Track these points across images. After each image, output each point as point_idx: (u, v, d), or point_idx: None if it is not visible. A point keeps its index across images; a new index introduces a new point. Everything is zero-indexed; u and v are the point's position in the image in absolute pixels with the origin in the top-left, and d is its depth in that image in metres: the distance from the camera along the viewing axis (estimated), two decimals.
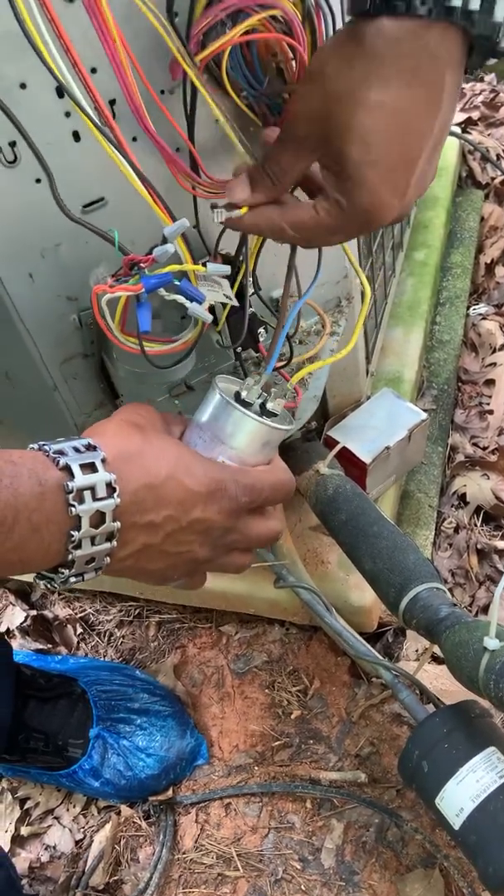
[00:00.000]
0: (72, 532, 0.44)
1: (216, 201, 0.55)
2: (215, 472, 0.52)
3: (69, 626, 1.15)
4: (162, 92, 0.56)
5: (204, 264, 0.53)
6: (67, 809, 0.98)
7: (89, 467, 0.45)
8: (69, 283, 0.63)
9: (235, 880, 0.85)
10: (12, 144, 0.54)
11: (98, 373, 0.71)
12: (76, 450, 0.46)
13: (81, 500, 0.44)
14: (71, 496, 0.43)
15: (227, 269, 0.54)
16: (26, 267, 0.61)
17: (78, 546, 0.44)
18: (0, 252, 0.59)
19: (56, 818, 0.98)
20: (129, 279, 0.52)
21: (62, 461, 0.44)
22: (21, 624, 1.15)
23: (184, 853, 0.89)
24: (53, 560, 0.45)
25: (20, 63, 0.51)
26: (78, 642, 1.13)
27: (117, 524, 0.46)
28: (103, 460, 0.46)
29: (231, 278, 0.62)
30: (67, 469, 0.44)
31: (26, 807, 1.00)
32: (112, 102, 0.56)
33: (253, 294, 0.68)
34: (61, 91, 0.53)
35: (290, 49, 0.53)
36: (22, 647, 1.12)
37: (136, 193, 0.58)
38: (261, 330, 0.75)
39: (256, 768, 0.92)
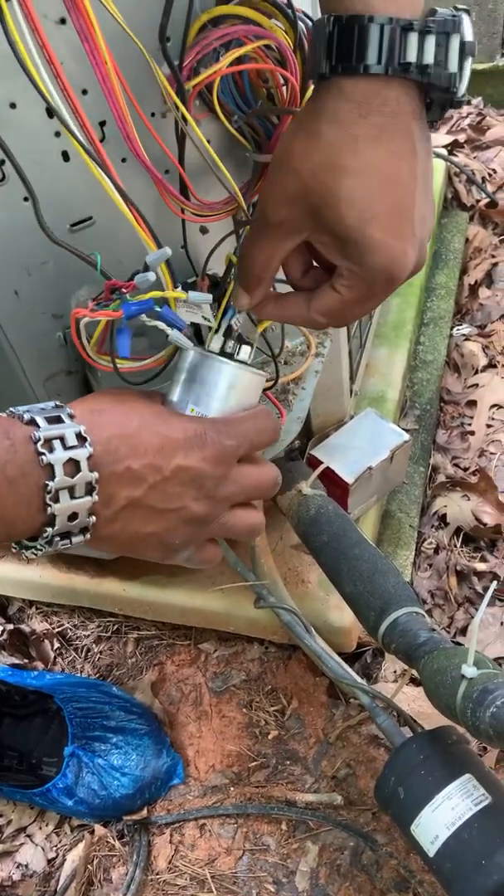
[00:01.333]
0: (47, 483, 0.43)
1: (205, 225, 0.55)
2: (192, 422, 0.51)
3: (46, 640, 1.13)
4: (153, 115, 0.57)
5: (186, 289, 0.53)
6: (40, 828, 0.97)
7: (55, 420, 0.45)
8: (55, 300, 0.63)
9: None
10: (0, 163, 0.54)
11: (82, 390, 0.71)
12: (42, 408, 0.46)
13: (51, 449, 0.43)
14: (39, 445, 0.43)
15: (208, 297, 0.54)
16: (12, 283, 0.61)
17: (56, 499, 0.43)
18: None
19: (28, 836, 0.96)
20: (111, 304, 0.51)
21: (27, 416, 0.44)
22: None
23: (157, 874, 0.88)
24: (35, 518, 0.44)
25: (10, 82, 0.51)
26: (55, 658, 1.12)
27: (95, 474, 0.45)
28: (70, 415, 0.46)
29: (218, 299, 0.62)
30: (33, 422, 0.44)
31: None
32: (102, 124, 0.56)
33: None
34: (51, 112, 0.53)
35: (282, 76, 0.53)
36: None
37: (123, 214, 0.58)
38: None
39: (232, 789, 0.92)
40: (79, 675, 1.08)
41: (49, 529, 0.44)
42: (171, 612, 1.01)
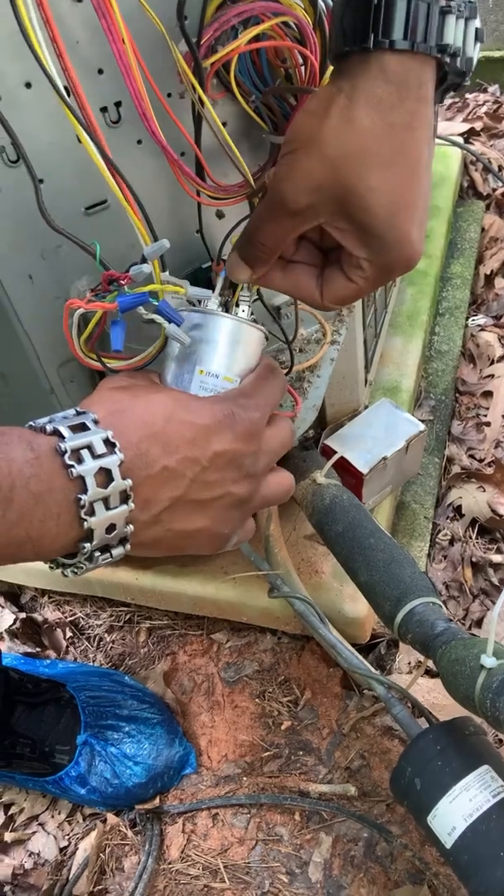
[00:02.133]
0: (79, 496, 0.41)
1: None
2: (215, 402, 0.49)
3: (59, 629, 1.13)
4: (169, 95, 0.56)
5: (201, 274, 0.52)
6: (52, 816, 0.97)
7: (80, 427, 0.43)
8: (69, 285, 0.62)
9: (221, 892, 0.84)
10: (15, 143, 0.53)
11: (95, 377, 0.70)
12: (64, 417, 0.44)
13: (80, 460, 0.41)
14: (66, 457, 0.41)
15: (208, 293, 0.53)
16: (26, 268, 0.60)
17: (91, 512, 0.41)
18: (0, 252, 0.59)
19: (41, 825, 0.97)
20: (107, 295, 0.51)
21: (49, 427, 0.42)
22: (10, 626, 1.13)
23: (169, 863, 0.88)
24: (69, 534, 0.42)
25: (25, 62, 0.50)
26: (67, 646, 1.12)
27: (128, 482, 0.43)
28: (95, 421, 0.43)
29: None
30: (57, 433, 0.42)
31: (10, 812, 0.98)
32: (118, 104, 0.55)
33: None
34: (68, 91, 0.53)
35: (301, 55, 0.52)
36: (10, 650, 1.11)
37: (138, 197, 0.57)
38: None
39: (245, 779, 0.91)
40: (91, 664, 1.08)
41: (87, 545, 0.42)
42: (183, 602, 1.01)
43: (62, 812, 0.97)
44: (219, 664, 1.02)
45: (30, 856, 0.94)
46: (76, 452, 0.41)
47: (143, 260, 0.50)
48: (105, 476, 0.42)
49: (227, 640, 1.04)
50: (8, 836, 0.96)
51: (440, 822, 0.62)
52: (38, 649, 1.12)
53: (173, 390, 0.51)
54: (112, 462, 0.42)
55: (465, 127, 1.80)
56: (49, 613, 1.15)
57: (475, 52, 0.43)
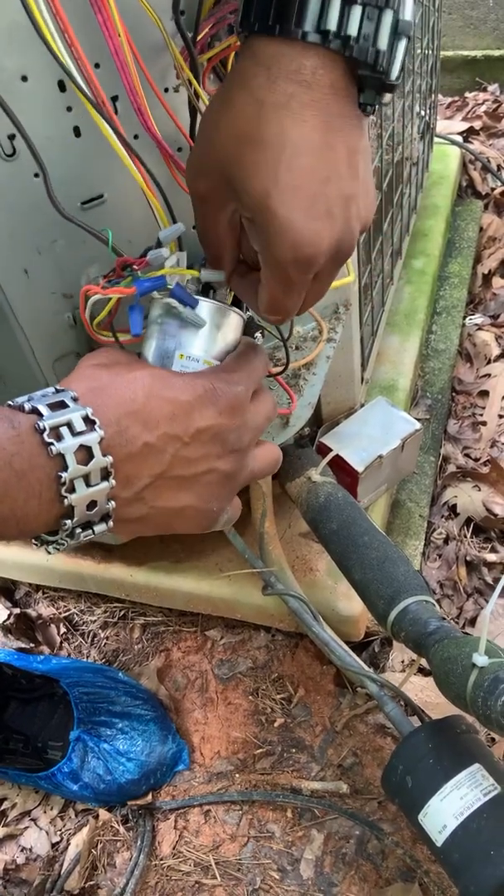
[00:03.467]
0: (60, 474, 0.41)
1: None
2: (197, 378, 0.48)
3: (53, 625, 1.13)
4: (166, 90, 0.56)
5: (199, 269, 0.52)
6: (45, 812, 0.97)
7: (59, 405, 0.42)
8: (65, 280, 0.62)
9: (213, 888, 0.84)
10: (11, 137, 0.53)
11: None
12: (43, 395, 0.43)
13: (59, 438, 0.41)
14: (46, 435, 0.41)
15: (221, 275, 0.53)
16: (22, 263, 0.60)
17: (71, 489, 0.41)
18: None
19: (33, 820, 0.97)
20: (122, 281, 0.50)
21: (28, 405, 0.42)
22: (3, 622, 1.13)
23: (161, 859, 0.88)
24: (50, 511, 0.42)
25: (22, 55, 0.50)
26: (61, 642, 1.12)
27: (109, 458, 0.43)
28: (74, 398, 0.43)
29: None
30: (35, 411, 0.42)
31: (3, 808, 0.98)
32: (114, 99, 0.55)
33: None
34: (63, 85, 0.53)
35: None
36: (4, 646, 1.11)
37: (135, 192, 0.57)
38: (257, 335, 0.74)
39: (237, 776, 0.91)
40: (85, 660, 1.08)
41: (68, 521, 0.43)
42: (177, 599, 1.01)
43: (54, 808, 0.97)
44: (212, 661, 1.02)
45: (22, 851, 0.94)
46: (55, 430, 0.41)
47: (159, 244, 0.50)
48: (85, 453, 0.42)
49: (221, 637, 1.04)
50: (0, 832, 0.96)
51: (431, 820, 0.62)
52: (31, 645, 1.12)
53: (154, 367, 0.50)
54: (92, 439, 0.42)
55: (464, 126, 1.81)
56: (43, 609, 1.15)
57: (395, 47, 0.39)
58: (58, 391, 0.44)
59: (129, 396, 0.45)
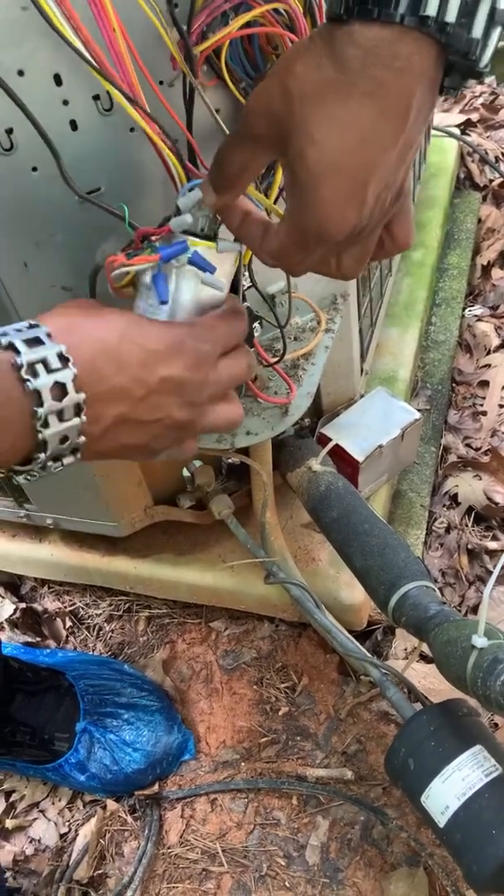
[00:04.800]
0: (35, 409, 0.42)
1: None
2: (170, 329, 0.50)
3: (58, 619, 1.14)
4: (161, 83, 0.56)
5: (217, 241, 0.52)
6: (53, 803, 0.98)
7: (34, 342, 0.43)
8: (64, 273, 0.63)
9: (220, 876, 0.85)
10: (9, 132, 0.54)
11: None
12: (17, 330, 0.44)
13: (35, 374, 0.42)
14: (23, 371, 0.42)
15: (237, 246, 0.53)
16: (21, 256, 0.61)
17: (45, 425, 0.43)
18: None
19: (41, 811, 0.98)
20: (142, 252, 0.51)
21: (4, 340, 0.43)
22: (10, 616, 1.14)
23: (168, 848, 0.89)
24: (24, 445, 0.43)
25: (17, 49, 0.51)
26: (67, 636, 1.13)
27: (82, 395, 0.44)
28: (48, 335, 0.44)
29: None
30: (12, 347, 0.42)
31: (11, 799, 0.99)
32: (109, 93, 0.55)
33: (249, 288, 0.68)
34: (60, 79, 0.53)
35: (291, 42, 0.52)
36: (10, 640, 1.12)
37: (132, 183, 0.58)
38: (255, 325, 0.75)
39: (243, 764, 0.92)
40: (91, 653, 1.09)
41: (41, 455, 0.44)
42: (181, 590, 1.02)
43: (62, 799, 0.97)
44: (217, 652, 1.03)
45: (31, 842, 0.95)
46: (31, 367, 0.42)
47: (178, 212, 0.50)
48: (60, 390, 0.43)
49: (226, 628, 1.05)
50: (9, 823, 0.97)
51: (434, 801, 0.63)
52: (38, 639, 1.13)
53: (128, 313, 0.51)
54: (66, 376, 0.43)
55: (462, 118, 1.80)
56: (49, 603, 1.16)
57: (488, 35, 0.40)
58: (31, 326, 0.44)
59: (103, 336, 0.46)
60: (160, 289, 0.50)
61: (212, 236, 0.52)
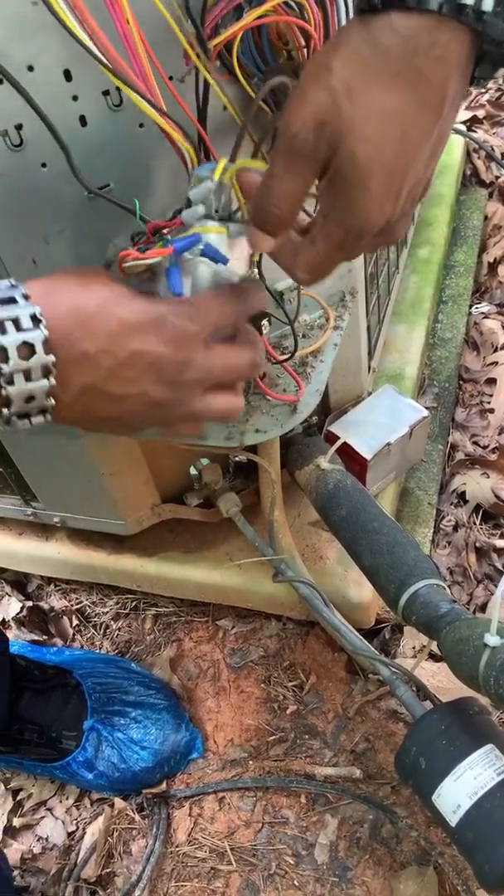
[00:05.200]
0: (1, 365, 0.42)
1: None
2: (152, 303, 0.48)
3: (65, 617, 1.14)
4: (171, 78, 0.56)
5: (227, 226, 0.52)
6: (60, 801, 0.98)
7: (9, 301, 0.43)
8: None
9: (228, 874, 0.85)
10: (18, 128, 0.54)
11: None
12: None
13: (4, 331, 0.42)
14: None
15: (244, 229, 0.53)
16: (30, 253, 0.60)
17: (10, 381, 0.43)
18: (3, 237, 0.59)
19: (49, 810, 0.97)
20: (153, 245, 0.51)
21: None
22: (17, 615, 1.14)
23: (177, 846, 0.89)
24: None
25: (27, 44, 0.50)
26: (74, 634, 1.13)
27: (51, 357, 0.44)
28: (25, 296, 0.43)
29: None
30: None
31: (19, 798, 0.99)
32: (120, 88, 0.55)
33: None
34: (70, 74, 0.53)
35: (303, 36, 0.52)
36: (17, 638, 1.12)
37: (142, 179, 0.58)
38: (264, 322, 0.74)
39: (251, 763, 0.92)
40: (98, 651, 1.09)
41: (5, 410, 0.44)
42: (188, 588, 1.01)
43: (70, 797, 0.97)
44: (224, 650, 1.03)
45: (38, 840, 0.95)
46: (1, 324, 0.42)
47: (189, 204, 0.50)
48: (28, 350, 0.43)
49: (233, 627, 1.05)
50: (17, 822, 0.97)
51: (445, 800, 0.63)
52: (44, 637, 1.13)
53: (116, 285, 0.49)
54: (36, 337, 0.43)
55: (468, 115, 1.80)
56: (55, 602, 1.16)
57: None
58: (12, 286, 0.44)
59: (81, 303, 0.45)
60: (174, 281, 0.50)
61: (227, 217, 0.51)
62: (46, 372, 0.44)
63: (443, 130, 0.43)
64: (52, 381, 0.44)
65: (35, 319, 0.43)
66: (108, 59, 0.47)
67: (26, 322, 0.42)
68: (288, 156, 0.44)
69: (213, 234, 0.50)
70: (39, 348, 0.43)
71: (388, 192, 0.43)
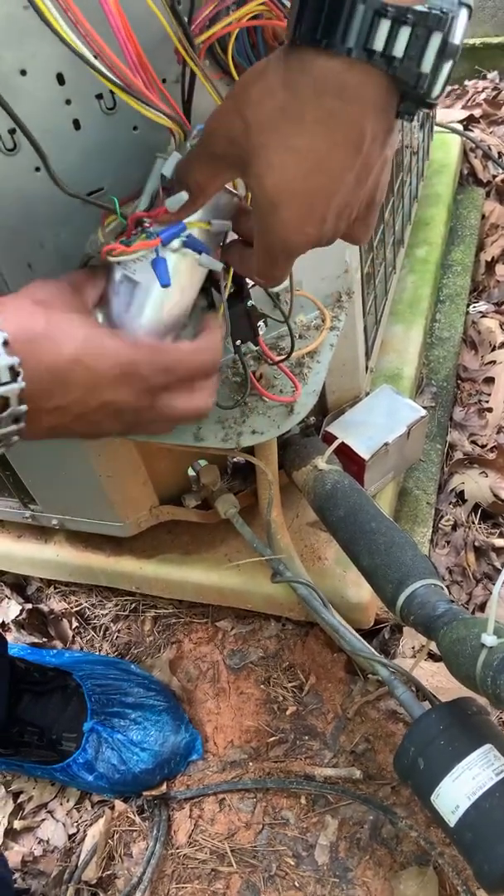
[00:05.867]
0: None
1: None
2: (127, 353, 0.49)
3: (64, 619, 1.14)
4: (164, 80, 0.56)
5: (209, 221, 0.53)
6: (61, 803, 0.98)
7: None
8: (68, 272, 0.62)
9: (229, 876, 0.85)
10: (12, 132, 0.54)
11: None
12: None
13: None
14: None
15: (229, 224, 0.54)
16: (25, 256, 0.60)
17: None
18: None
19: (49, 812, 0.98)
20: (136, 237, 0.51)
21: None
22: (16, 617, 1.14)
23: (177, 848, 0.89)
24: None
25: (20, 49, 0.50)
26: (73, 636, 1.13)
27: (24, 407, 0.45)
28: (5, 342, 0.44)
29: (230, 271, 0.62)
30: None
31: (20, 800, 0.99)
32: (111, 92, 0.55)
33: (253, 286, 0.67)
34: (62, 78, 0.53)
35: None
36: (17, 641, 1.12)
37: (135, 182, 0.57)
38: (260, 323, 0.74)
39: (251, 764, 0.92)
40: (97, 653, 1.09)
41: None
42: (187, 590, 1.01)
43: (70, 799, 0.97)
44: (224, 651, 1.03)
45: (39, 843, 0.95)
46: None
47: (165, 190, 0.51)
48: (2, 402, 0.44)
49: (232, 628, 1.05)
50: (17, 824, 0.97)
51: (443, 800, 0.63)
52: (44, 639, 1.13)
53: (90, 325, 0.50)
54: (12, 391, 0.43)
55: (465, 114, 1.80)
56: (55, 604, 1.16)
57: (439, 69, 0.40)
58: None
59: (59, 354, 0.46)
60: (161, 272, 0.51)
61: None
62: (16, 419, 0.45)
63: (368, 161, 0.44)
64: (22, 424, 0.46)
65: (13, 371, 0.43)
66: (104, 60, 0.46)
67: (5, 375, 0.43)
68: (202, 150, 0.48)
69: (196, 228, 0.52)
70: (14, 400, 0.44)
71: (309, 216, 0.46)
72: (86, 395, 0.48)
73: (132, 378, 0.49)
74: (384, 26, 0.38)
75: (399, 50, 0.39)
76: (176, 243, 0.51)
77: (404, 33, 0.38)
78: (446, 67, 0.40)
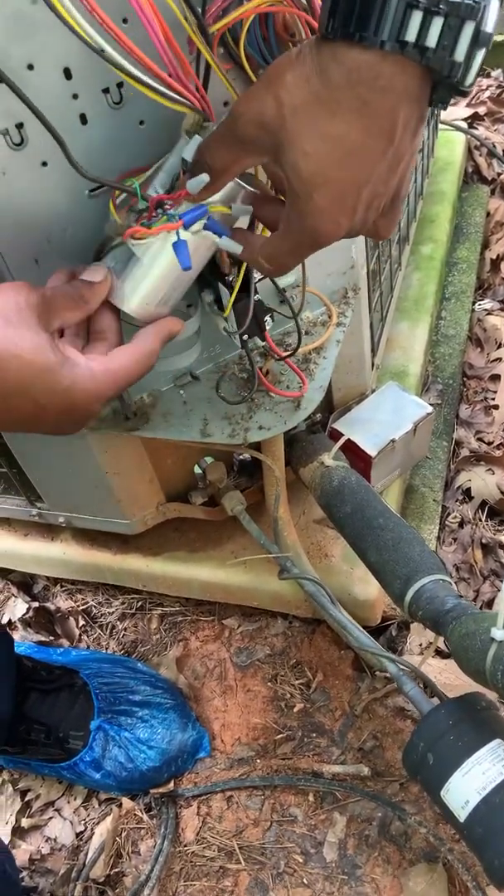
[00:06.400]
0: None
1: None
2: (73, 386, 0.51)
3: (71, 618, 1.14)
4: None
5: (230, 206, 0.53)
6: (68, 802, 0.98)
7: None
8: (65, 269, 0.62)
9: (237, 873, 0.85)
10: (19, 126, 0.54)
11: None
12: None
13: None
14: None
15: (249, 209, 0.55)
16: (32, 252, 0.60)
17: None
18: (6, 237, 0.59)
19: (57, 810, 0.97)
20: (157, 220, 0.51)
21: None
22: (23, 616, 1.14)
23: (185, 846, 0.88)
24: None
25: (27, 43, 0.50)
26: (80, 634, 1.13)
27: None
28: None
29: (237, 265, 0.62)
30: None
31: (27, 799, 0.99)
32: (120, 85, 0.55)
33: (261, 279, 0.67)
34: (70, 73, 0.53)
35: (310, 29, 0.52)
36: (24, 639, 1.12)
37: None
38: (267, 318, 0.74)
39: (259, 761, 0.92)
40: (104, 651, 1.09)
41: None
42: (194, 587, 1.01)
43: (78, 797, 0.97)
44: (230, 649, 1.03)
45: (46, 841, 0.95)
46: None
47: (185, 173, 0.51)
48: None
49: (239, 625, 1.04)
50: (25, 822, 0.97)
51: (453, 796, 0.62)
52: (51, 638, 1.13)
53: (42, 352, 0.50)
54: None
55: (469, 112, 1.80)
56: (61, 602, 1.16)
57: (472, 57, 0.40)
58: None
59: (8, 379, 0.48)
60: (182, 255, 0.52)
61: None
62: None
63: (400, 150, 0.45)
64: None
65: None
66: (123, 45, 0.46)
67: None
68: (228, 133, 0.48)
69: (218, 212, 0.53)
70: None
71: (341, 206, 0.46)
72: (27, 425, 0.51)
73: (73, 411, 0.52)
74: (416, 17, 0.38)
75: (432, 40, 0.39)
76: (196, 226, 0.52)
77: (437, 24, 0.39)
78: (479, 55, 0.40)
